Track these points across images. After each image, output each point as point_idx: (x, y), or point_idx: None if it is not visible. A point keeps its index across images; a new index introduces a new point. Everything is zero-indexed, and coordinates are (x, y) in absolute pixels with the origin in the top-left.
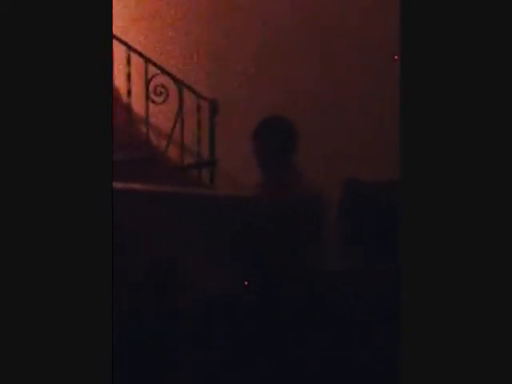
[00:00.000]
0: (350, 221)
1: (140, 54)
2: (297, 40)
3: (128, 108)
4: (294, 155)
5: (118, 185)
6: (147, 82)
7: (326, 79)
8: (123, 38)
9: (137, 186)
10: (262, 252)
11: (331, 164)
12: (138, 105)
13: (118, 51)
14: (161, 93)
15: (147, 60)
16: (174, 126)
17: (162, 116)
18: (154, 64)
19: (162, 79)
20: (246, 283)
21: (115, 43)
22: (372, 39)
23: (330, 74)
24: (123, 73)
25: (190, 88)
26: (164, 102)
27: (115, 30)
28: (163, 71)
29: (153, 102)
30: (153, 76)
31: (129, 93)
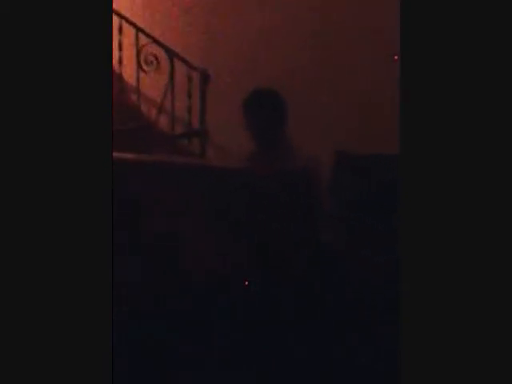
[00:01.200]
0: (341, 193)
1: (131, 23)
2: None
3: (119, 77)
4: (284, 127)
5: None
6: (138, 52)
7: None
8: (115, 6)
9: (128, 155)
10: (251, 225)
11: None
12: (128, 74)
13: None
14: (151, 62)
15: (138, 29)
16: (165, 96)
17: (153, 86)
18: (145, 33)
19: (153, 49)
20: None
21: None
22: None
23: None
24: (114, 42)
25: (181, 58)
26: (155, 71)
27: None
28: (154, 40)
29: (143, 71)
30: (144, 45)
31: (120, 62)
